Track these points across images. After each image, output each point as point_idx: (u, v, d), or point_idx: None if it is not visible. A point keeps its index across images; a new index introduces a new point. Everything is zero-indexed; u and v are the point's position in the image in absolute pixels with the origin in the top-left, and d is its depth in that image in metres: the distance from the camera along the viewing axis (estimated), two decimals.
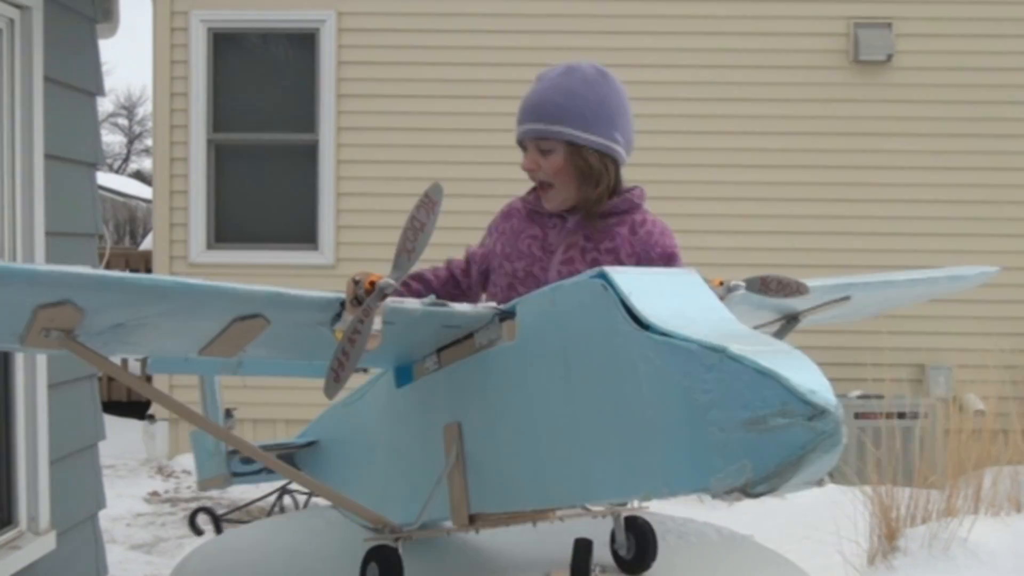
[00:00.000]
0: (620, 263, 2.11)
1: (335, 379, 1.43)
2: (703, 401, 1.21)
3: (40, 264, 1.29)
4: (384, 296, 1.42)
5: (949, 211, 7.14)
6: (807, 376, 1.14)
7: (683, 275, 1.51)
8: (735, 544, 2.16)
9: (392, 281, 1.42)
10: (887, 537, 4.46)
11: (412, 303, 1.53)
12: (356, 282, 1.45)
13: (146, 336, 1.49)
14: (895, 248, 7.01)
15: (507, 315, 1.59)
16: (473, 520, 1.71)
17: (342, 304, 1.47)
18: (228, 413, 2.30)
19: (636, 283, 1.40)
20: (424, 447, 1.79)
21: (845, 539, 4.41)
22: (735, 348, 1.19)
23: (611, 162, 2.15)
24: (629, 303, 1.36)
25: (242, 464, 2.34)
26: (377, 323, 1.40)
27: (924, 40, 7.16)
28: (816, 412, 1.11)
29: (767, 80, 7.17)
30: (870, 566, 4.42)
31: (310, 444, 2.32)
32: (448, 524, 1.78)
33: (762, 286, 1.73)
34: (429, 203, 1.43)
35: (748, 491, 1.18)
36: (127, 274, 1.34)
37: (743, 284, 1.70)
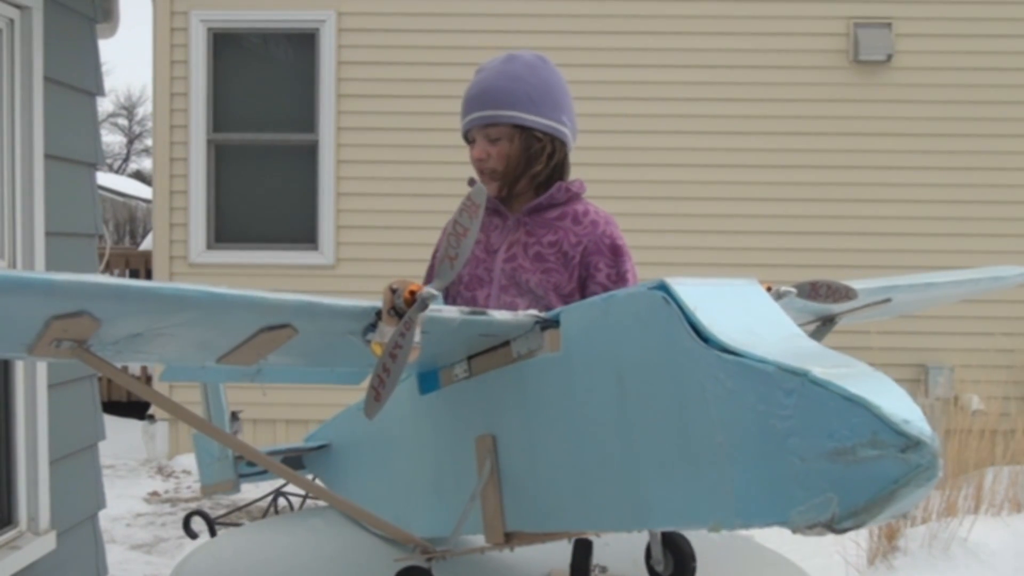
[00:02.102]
0: (564, 254, 2.07)
1: (376, 398, 1.36)
2: (781, 428, 1.13)
3: (57, 273, 1.21)
4: (425, 307, 1.34)
5: (949, 211, 7.14)
6: (899, 403, 1.07)
7: (746, 286, 1.41)
8: (735, 544, 2.16)
9: (435, 291, 1.35)
10: (887, 537, 4.46)
11: (450, 311, 1.45)
12: (394, 291, 1.36)
13: (163, 345, 1.43)
14: (895, 248, 7.01)
15: (549, 324, 1.51)
16: (509, 538, 1.62)
17: (378, 314, 1.39)
18: (234, 416, 2.26)
19: (700, 296, 1.30)
20: (452, 459, 1.71)
21: (845, 539, 4.41)
22: (818, 372, 1.11)
23: (560, 144, 2.14)
24: (694, 318, 1.27)
25: (247, 465, 2.31)
26: (417, 335, 1.33)
27: (924, 40, 7.16)
28: (910, 443, 1.04)
29: (767, 80, 7.17)
30: (870, 566, 4.42)
31: (321, 447, 2.26)
32: (478, 540, 1.70)
33: (812, 292, 1.67)
34: (472, 207, 1.36)
35: (833, 526, 1.10)
36: (149, 283, 1.27)
37: (794, 290, 1.63)
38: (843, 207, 7.16)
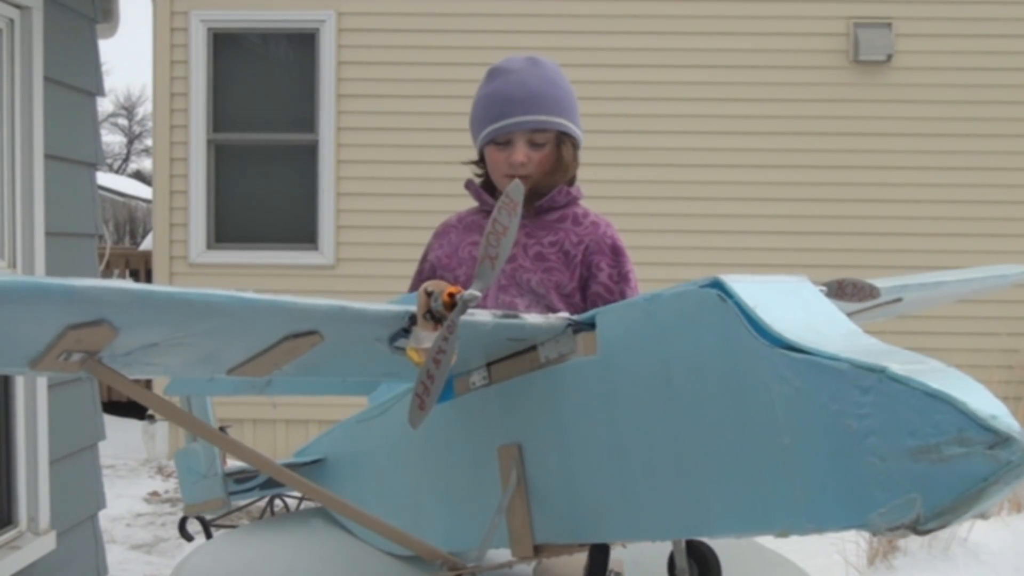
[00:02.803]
0: (566, 253, 2.08)
1: (421, 407, 1.31)
2: (858, 427, 1.09)
3: (76, 279, 1.14)
4: (465, 309, 1.29)
5: (949, 211, 7.14)
6: (983, 399, 1.04)
7: (798, 283, 1.36)
8: (735, 544, 2.16)
9: (478, 293, 1.29)
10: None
11: (483, 315, 1.39)
12: (429, 294, 1.31)
13: (177, 356, 1.36)
14: (895, 248, 7.01)
15: (582, 327, 1.45)
16: (538, 551, 1.56)
17: (411, 319, 1.33)
18: (222, 430, 2.23)
19: (757, 293, 1.25)
20: (467, 470, 1.66)
21: (845, 539, 4.41)
22: (896, 368, 1.08)
23: (578, 151, 2.18)
24: (755, 316, 1.22)
25: (235, 484, 2.25)
26: (456, 340, 1.28)
27: (924, 40, 7.16)
28: (999, 440, 1.00)
29: (767, 80, 7.17)
30: (870, 566, 4.42)
31: (315, 462, 2.21)
32: (501, 552, 1.64)
33: (839, 290, 1.64)
34: (511, 204, 1.31)
35: (918, 527, 1.07)
36: (174, 289, 1.20)
37: (824, 288, 1.59)
38: (843, 207, 7.16)
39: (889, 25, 7.12)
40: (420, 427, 1.74)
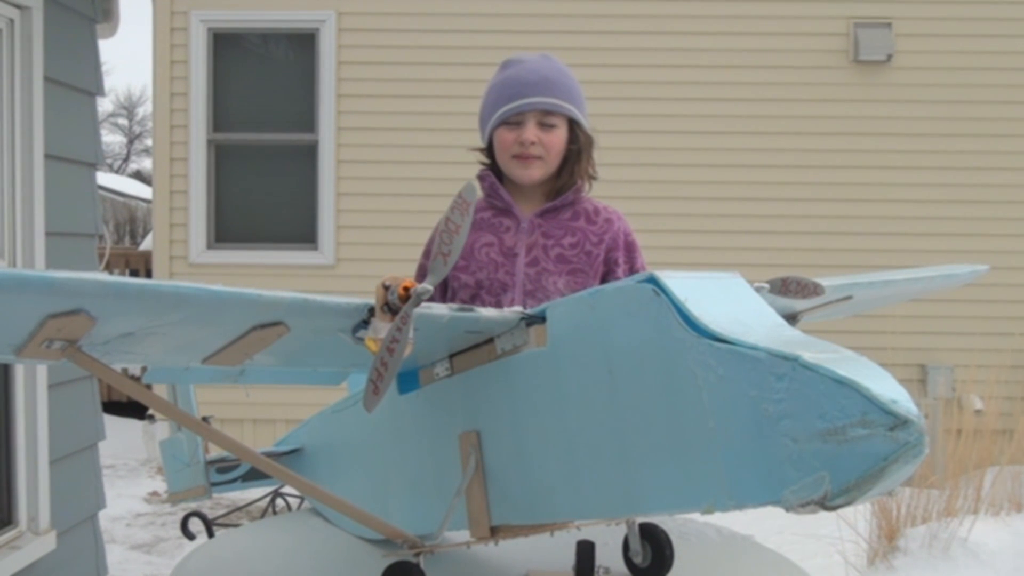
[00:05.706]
0: (588, 254, 2.15)
1: (374, 391, 1.39)
2: (774, 411, 1.18)
3: (55, 271, 1.20)
4: (419, 302, 1.36)
5: (948, 211, 7.14)
6: (886, 385, 1.12)
7: (729, 279, 1.45)
8: (735, 544, 2.16)
9: (430, 287, 1.36)
10: (887, 537, 4.46)
11: (440, 308, 1.47)
12: (386, 287, 1.38)
13: (152, 345, 1.43)
14: (894, 248, 7.01)
15: (534, 320, 1.53)
16: (494, 532, 1.65)
17: (370, 311, 1.41)
18: (205, 420, 2.25)
19: (688, 288, 1.34)
20: (433, 456, 1.73)
21: (845, 539, 4.41)
22: (808, 356, 1.16)
23: (592, 149, 2.23)
24: (685, 309, 1.31)
25: (218, 474, 2.30)
26: (410, 330, 1.35)
27: (924, 40, 7.16)
28: (899, 422, 1.08)
29: (767, 80, 7.17)
30: (870, 566, 4.42)
31: (292, 452, 2.26)
32: (464, 535, 1.71)
33: (783, 287, 1.71)
34: (463, 204, 1.38)
35: (826, 503, 1.15)
36: (147, 281, 1.26)
37: (767, 286, 1.66)
38: (843, 207, 7.16)
39: (889, 25, 7.13)
40: (392, 415, 1.81)
